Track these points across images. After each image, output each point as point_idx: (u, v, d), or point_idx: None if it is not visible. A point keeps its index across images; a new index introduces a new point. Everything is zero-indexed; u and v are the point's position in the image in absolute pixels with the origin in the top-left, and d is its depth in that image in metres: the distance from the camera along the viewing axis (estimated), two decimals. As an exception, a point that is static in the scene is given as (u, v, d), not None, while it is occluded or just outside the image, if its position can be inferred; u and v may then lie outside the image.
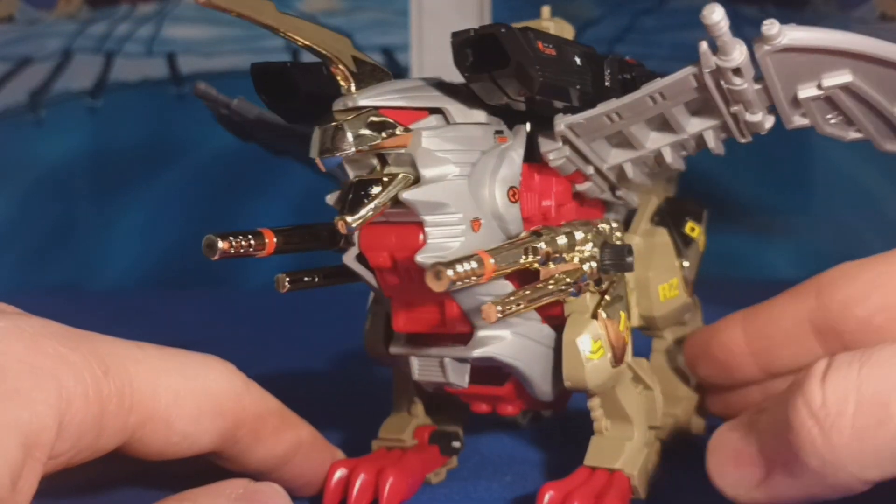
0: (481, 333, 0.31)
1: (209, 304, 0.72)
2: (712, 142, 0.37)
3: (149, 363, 0.28)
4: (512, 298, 0.28)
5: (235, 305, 0.73)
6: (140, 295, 0.77)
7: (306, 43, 0.27)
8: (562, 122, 0.33)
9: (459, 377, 0.31)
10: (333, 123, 0.27)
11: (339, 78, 0.28)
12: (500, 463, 0.39)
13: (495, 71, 0.28)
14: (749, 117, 0.36)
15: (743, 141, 0.37)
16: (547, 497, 0.31)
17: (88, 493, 0.36)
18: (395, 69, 0.77)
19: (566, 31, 0.36)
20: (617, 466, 0.33)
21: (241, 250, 0.29)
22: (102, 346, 0.27)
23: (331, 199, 0.29)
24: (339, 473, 0.33)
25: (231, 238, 0.29)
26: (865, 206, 0.78)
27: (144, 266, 0.79)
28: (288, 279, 0.31)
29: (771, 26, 0.31)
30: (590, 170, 0.36)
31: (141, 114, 0.77)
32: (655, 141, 0.36)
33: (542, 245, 0.29)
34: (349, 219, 0.27)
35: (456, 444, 0.38)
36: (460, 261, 0.26)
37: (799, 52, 0.33)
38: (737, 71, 0.33)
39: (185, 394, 0.29)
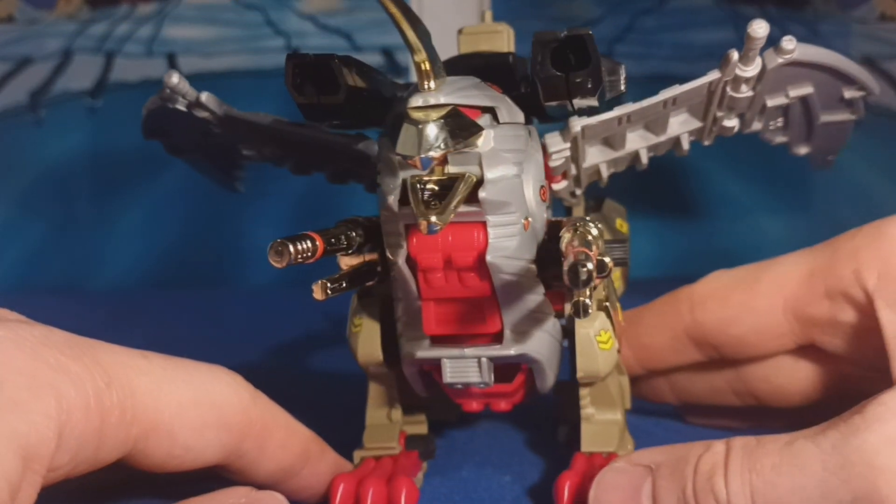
0: (512, 332, 0.31)
1: (209, 304, 0.72)
2: (686, 144, 0.38)
3: (153, 374, 0.28)
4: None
5: (235, 305, 0.73)
6: (140, 295, 0.77)
7: (411, 33, 0.26)
8: (578, 124, 0.34)
9: (490, 376, 0.32)
10: (431, 121, 0.26)
11: (422, 72, 0.27)
12: (501, 463, 0.39)
13: (575, 71, 0.29)
14: (726, 122, 0.37)
15: (706, 143, 0.38)
16: (567, 487, 0.32)
17: (89, 500, 0.35)
18: (394, 69, 0.77)
19: (505, 34, 0.36)
20: (612, 449, 0.35)
21: (300, 257, 0.28)
22: (105, 356, 0.26)
23: (393, 199, 0.29)
24: (343, 487, 0.32)
25: (297, 243, 0.28)
26: (865, 206, 0.78)
27: (144, 266, 0.79)
28: (329, 287, 0.30)
29: (790, 42, 0.34)
30: (574, 170, 0.36)
31: (141, 114, 0.77)
32: (634, 142, 0.37)
33: (591, 236, 0.29)
34: (434, 219, 0.26)
35: (432, 447, 0.38)
36: None
37: (793, 66, 0.35)
38: (748, 80, 0.34)
39: (189, 406, 0.28)
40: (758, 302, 0.34)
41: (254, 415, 0.30)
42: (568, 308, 0.34)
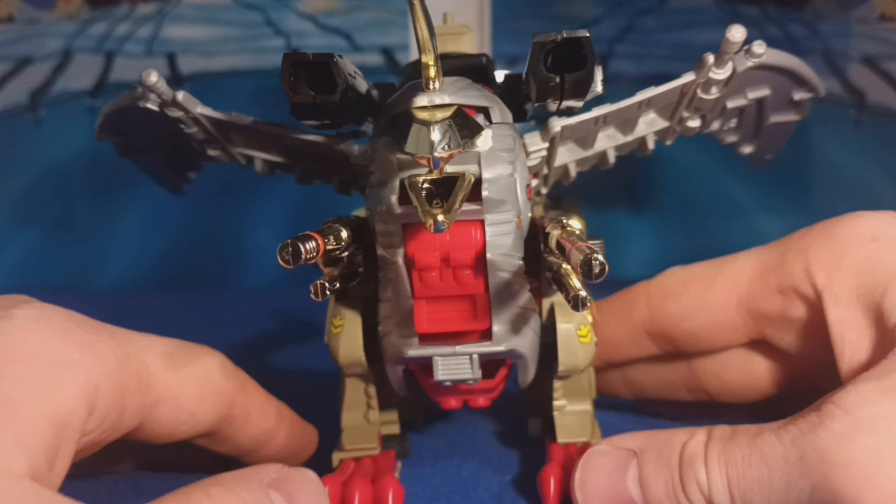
0: (501, 328, 0.32)
1: (209, 304, 0.72)
2: (651, 144, 0.39)
3: (156, 349, 0.31)
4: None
5: (235, 305, 0.73)
6: (140, 295, 0.77)
7: (426, 32, 0.26)
8: (559, 124, 0.35)
9: (478, 372, 0.32)
10: (439, 120, 0.27)
11: (430, 72, 0.27)
12: (500, 463, 0.39)
13: (572, 73, 0.30)
14: (690, 123, 0.38)
15: (668, 143, 0.39)
16: (552, 480, 0.33)
17: (106, 485, 0.36)
18: (394, 69, 0.77)
19: (470, 36, 0.37)
20: (586, 439, 0.36)
21: (308, 256, 0.28)
22: (118, 334, 0.30)
23: (394, 200, 0.29)
24: (329, 490, 0.32)
25: (304, 243, 0.28)
26: (864, 206, 0.77)
27: (144, 266, 0.79)
28: (328, 288, 0.30)
29: (760, 46, 0.35)
30: (545, 169, 0.37)
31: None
32: (603, 142, 0.38)
33: (578, 232, 0.30)
34: (441, 217, 0.26)
35: (407, 445, 0.38)
36: None
37: (758, 69, 0.36)
38: (719, 83, 0.35)
39: (189, 377, 0.32)
40: (712, 298, 0.35)
41: (236, 384, 0.34)
42: (547, 303, 0.35)
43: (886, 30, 0.74)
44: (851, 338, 0.31)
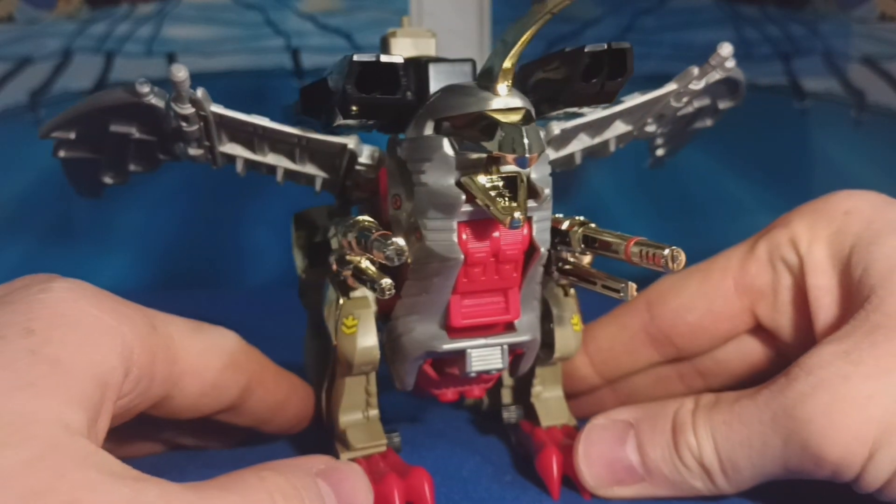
0: (523, 319, 0.34)
1: (208, 304, 0.72)
2: (613, 147, 0.40)
3: (178, 324, 0.32)
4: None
5: (234, 305, 0.73)
6: (140, 295, 0.76)
7: (526, 39, 0.28)
8: (559, 127, 0.37)
9: (507, 361, 0.34)
10: (524, 122, 0.28)
11: (508, 77, 0.29)
12: (500, 463, 0.39)
13: (613, 80, 0.31)
14: (648, 128, 0.40)
15: (621, 146, 0.40)
16: (555, 462, 0.35)
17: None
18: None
19: (434, 41, 0.38)
20: (565, 421, 0.39)
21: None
22: (141, 307, 0.31)
23: (458, 196, 0.30)
24: None
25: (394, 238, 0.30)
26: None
27: (144, 266, 0.79)
28: (392, 285, 0.31)
29: (733, 61, 0.37)
30: None
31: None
32: (574, 145, 0.39)
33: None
34: (517, 214, 0.28)
35: (398, 441, 0.38)
36: None
37: (719, 81, 0.39)
38: (693, 93, 0.36)
39: (210, 350, 0.33)
40: (710, 285, 0.37)
41: (253, 357, 0.36)
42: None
43: (886, 30, 0.74)
44: (825, 303, 0.34)
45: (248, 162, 0.36)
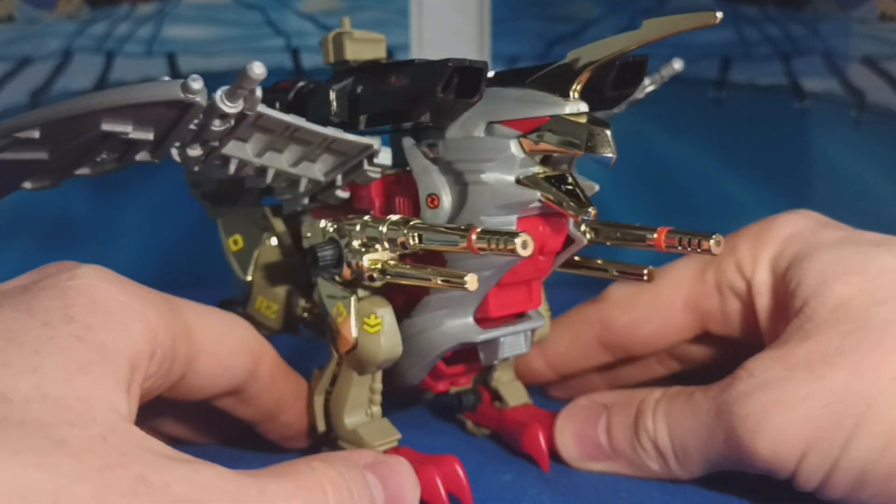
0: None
1: (209, 303, 0.72)
2: None
3: (191, 306, 0.33)
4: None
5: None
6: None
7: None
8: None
9: (530, 346, 0.37)
10: (609, 127, 0.30)
11: (582, 84, 0.31)
12: (500, 462, 0.39)
13: (630, 88, 0.34)
14: None
15: None
16: (541, 436, 0.38)
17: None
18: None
19: (384, 44, 0.38)
20: (526, 400, 0.41)
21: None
22: (156, 291, 0.32)
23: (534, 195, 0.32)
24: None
25: None
26: (864, 205, 0.78)
27: (144, 266, 0.79)
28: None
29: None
30: None
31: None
32: None
33: None
34: (592, 210, 0.31)
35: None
36: None
37: None
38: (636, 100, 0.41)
39: (223, 333, 0.34)
40: (661, 305, 0.40)
41: (263, 345, 0.36)
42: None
43: (887, 29, 0.74)
44: (770, 318, 0.37)
45: (241, 162, 0.36)
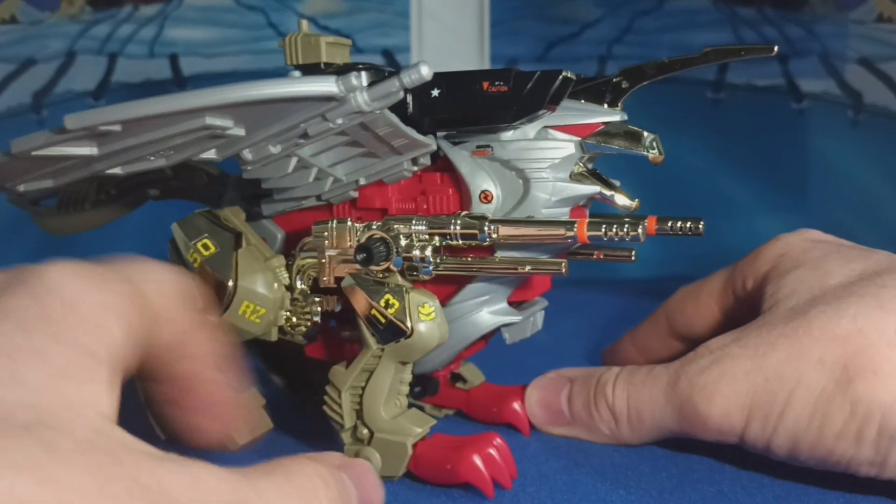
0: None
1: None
2: None
3: (134, 265, 0.32)
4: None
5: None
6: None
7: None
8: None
9: None
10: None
11: (627, 96, 0.36)
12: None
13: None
14: None
15: None
16: (518, 407, 0.43)
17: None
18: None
19: (348, 48, 0.39)
20: (483, 378, 0.45)
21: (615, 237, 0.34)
22: (105, 262, 0.31)
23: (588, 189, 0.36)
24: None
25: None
26: (862, 205, 0.78)
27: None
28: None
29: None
30: None
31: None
32: None
33: None
34: (637, 200, 0.36)
35: None
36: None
37: None
38: None
39: (166, 288, 0.32)
40: (702, 306, 0.47)
41: (197, 303, 0.34)
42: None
43: (884, 31, 0.74)
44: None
45: (299, 162, 0.36)
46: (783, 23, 0.75)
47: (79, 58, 0.77)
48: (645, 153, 0.35)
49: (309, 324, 0.39)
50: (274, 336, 0.40)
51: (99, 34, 0.77)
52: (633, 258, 0.40)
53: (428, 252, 0.35)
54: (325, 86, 0.31)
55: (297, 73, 0.34)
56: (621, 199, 0.36)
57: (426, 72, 0.31)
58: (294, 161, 0.35)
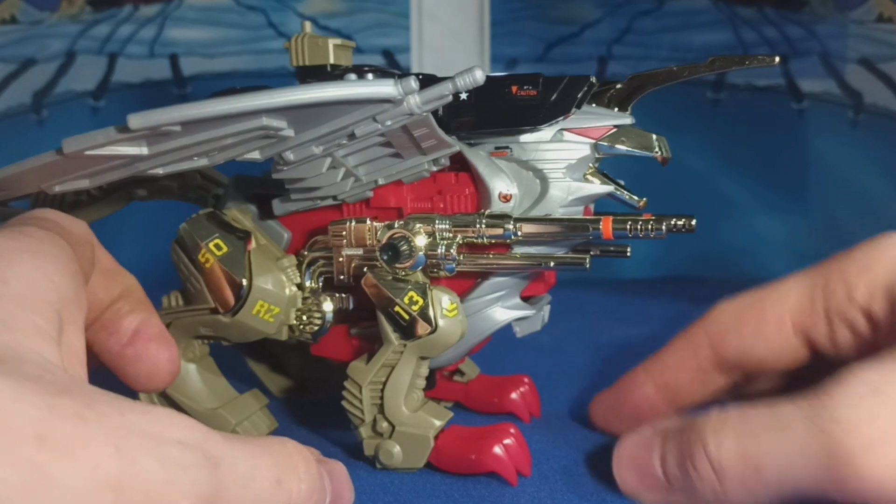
0: None
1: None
2: None
3: (51, 215, 0.31)
4: None
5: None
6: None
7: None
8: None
9: None
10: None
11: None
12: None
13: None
14: None
15: None
16: (514, 394, 0.44)
17: None
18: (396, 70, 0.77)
19: (351, 51, 0.40)
20: (478, 371, 0.46)
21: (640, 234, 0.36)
22: (50, 217, 0.30)
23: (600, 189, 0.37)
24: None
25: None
26: (862, 206, 0.78)
27: (144, 266, 0.79)
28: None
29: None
30: None
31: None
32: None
33: None
34: (644, 199, 0.38)
35: None
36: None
37: None
38: None
39: (78, 226, 0.32)
40: (769, 329, 0.37)
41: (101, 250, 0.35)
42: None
43: (884, 31, 0.75)
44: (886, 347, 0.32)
45: (333, 161, 0.36)
46: (783, 23, 0.75)
47: (79, 58, 0.77)
48: (653, 154, 0.37)
49: (321, 322, 0.39)
50: (284, 335, 0.40)
51: (99, 34, 0.77)
52: (627, 253, 0.40)
53: (453, 250, 0.36)
54: (386, 89, 0.31)
55: (352, 77, 0.35)
56: (631, 199, 0.37)
57: (480, 76, 0.31)
58: (328, 161, 0.36)
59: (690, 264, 0.78)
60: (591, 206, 0.39)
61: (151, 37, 0.77)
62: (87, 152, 0.32)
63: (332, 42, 0.38)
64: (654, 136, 0.37)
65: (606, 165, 0.38)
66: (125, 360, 0.33)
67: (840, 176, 0.77)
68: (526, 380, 0.45)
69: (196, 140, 0.33)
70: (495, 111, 0.37)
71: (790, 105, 0.78)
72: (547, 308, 0.42)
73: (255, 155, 0.35)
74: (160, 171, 0.35)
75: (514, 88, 0.37)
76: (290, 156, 0.35)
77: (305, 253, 0.39)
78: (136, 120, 0.30)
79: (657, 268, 0.78)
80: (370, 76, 0.35)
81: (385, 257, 0.36)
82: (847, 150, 0.77)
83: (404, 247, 0.36)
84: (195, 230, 0.40)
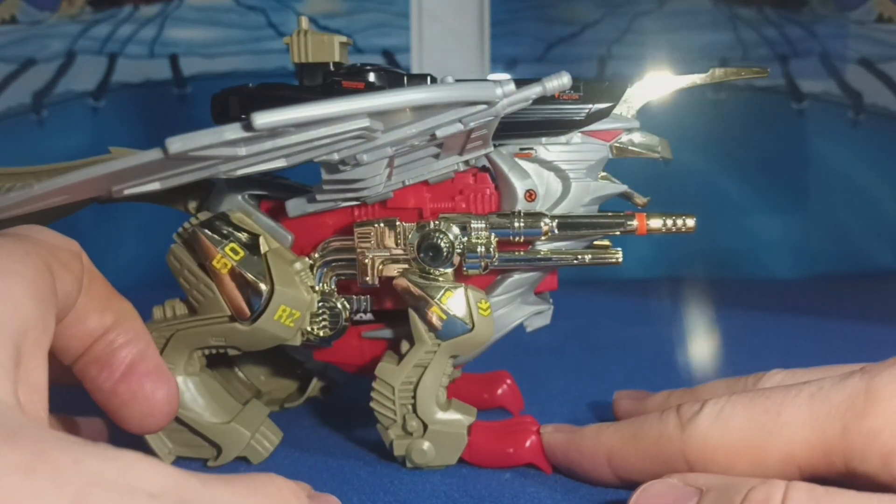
0: None
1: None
2: None
3: (57, 239, 0.31)
4: None
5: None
6: (139, 294, 0.77)
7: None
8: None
9: None
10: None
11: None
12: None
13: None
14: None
15: None
16: (504, 388, 0.45)
17: None
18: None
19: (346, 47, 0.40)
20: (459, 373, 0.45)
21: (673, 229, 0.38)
22: (33, 235, 0.29)
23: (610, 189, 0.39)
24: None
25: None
26: (862, 206, 0.78)
27: (144, 265, 0.79)
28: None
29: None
30: None
31: (143, 114, 0.78)
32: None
33: None
34: (645, 200, 0.41)
35: None
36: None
37: None
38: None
39: (58, 241, 0.31)
40: (769, 469, 0.31)
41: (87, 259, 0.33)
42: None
43: (884, 31, 0.75)
44: None
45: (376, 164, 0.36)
46: (783, 23, 0.75)
47: (79, 58, 0.77)
48: (658, 156, 0.39)
49: (336, 326, 0.39)
50: (298, 340, 0.38)
51: (99, 34, 0.77)
52: (619, 260, 0.39)
53: (492, 249, 0.37)
54: (490, 91, 0.31)
55: (450, 79, 0.33)
56: (639, 198, 0.40)
57: (568, 80, 0.32)
58: (386, 162, 0.35)
59: (690, 264, 0.78)
60: (596, 207, 0.40)
61: (151, 37, 0.77)
62: (192, 153, 0.30)
63: (338, 39, 0.38)
64: (661, 139, 0.39)
65: (607, 166, 0.39)
66: (118, 398, 0.31)
67: (840, 176, 0.77)
68: (506, 375, 0.46)
69: (295, 140, 0.31)
70: (539, 114, 0.38)
71: (790, 105, 0.78)
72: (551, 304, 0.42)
73: (334, 156, 0.34)
74: (239, 173, 0.33)
75: (556, 93, 0.37)
76: (364, 157, 0.33)
77: (316, 255, 0.39)
78: (260, 119, 0.28)
79: (657, 268, 0.78)
80: (371, 76, 0.36)
81: (427, 257, 0.37)
82: (847, 150, 0.77)
83: (447, 247, 0.37)
84: (206, 234, 0.38)
